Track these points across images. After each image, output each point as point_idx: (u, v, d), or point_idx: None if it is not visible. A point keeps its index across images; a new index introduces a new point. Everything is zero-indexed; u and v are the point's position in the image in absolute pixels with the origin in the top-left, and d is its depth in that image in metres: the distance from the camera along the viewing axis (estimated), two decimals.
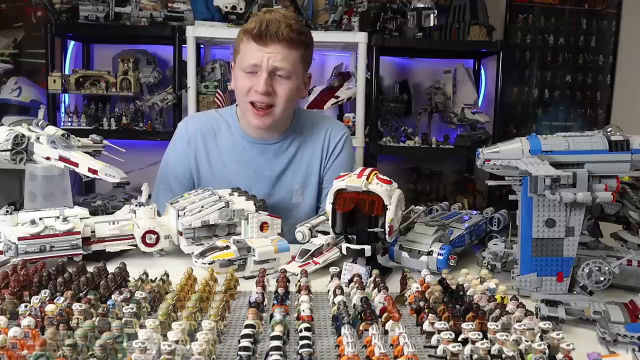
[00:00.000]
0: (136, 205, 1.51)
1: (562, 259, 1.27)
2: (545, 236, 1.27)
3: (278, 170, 1.92)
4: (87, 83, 3.12)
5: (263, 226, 1.52)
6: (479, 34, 3.32)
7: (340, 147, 1.97)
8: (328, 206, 1.37)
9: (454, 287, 1.22)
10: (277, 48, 1.67)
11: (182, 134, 1.98)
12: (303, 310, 1.03)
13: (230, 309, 1.15)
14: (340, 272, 1.34)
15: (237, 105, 1.95)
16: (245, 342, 0.87)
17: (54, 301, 1.05)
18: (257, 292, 1.12)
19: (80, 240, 1.39)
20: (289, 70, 1.71)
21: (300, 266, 1.40)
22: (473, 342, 0.91)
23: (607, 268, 1.25)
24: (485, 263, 1.41)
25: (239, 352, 0.85)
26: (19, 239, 1.34)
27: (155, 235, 1.47)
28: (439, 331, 0.96)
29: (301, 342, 0.88)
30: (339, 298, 1.11)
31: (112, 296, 1.07)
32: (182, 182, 1.94)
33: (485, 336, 0.94)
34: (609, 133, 1.30)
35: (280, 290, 1.14)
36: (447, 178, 3.77)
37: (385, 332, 1.00)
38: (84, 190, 3.26)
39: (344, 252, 1.39)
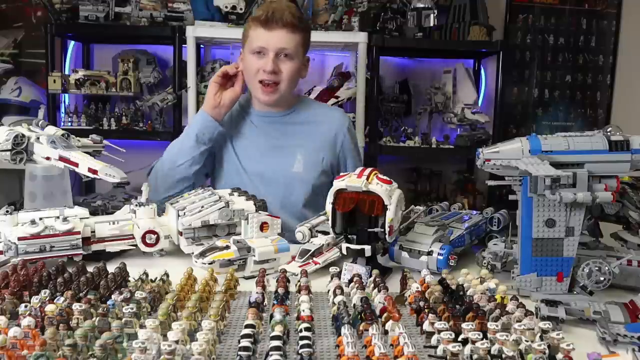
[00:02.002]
0: (136, 205, 1.51)
1: (562, 259, 1.27)
2: (545, 236, 1.27)
3: (283, 138, 2.08)
4: (87, 83, 3.12)
5: (263, 226, 1.52)
6: (479, 34, 3.31)
7: (348, 136, 2.14)
8: (328, 206, 1.37)
9: (454, 287, 1.22)
10: (282, 32, 1.91)
11: None
12: (303, 310, 1.03)
13: (230, 309, 1.15)
14: (340, 272, 1.34)
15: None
16: (245, 342, 0.87)
17: (54, 301, 1.05)
18: (257, 292, 1.12)
19: (80, 240, 1.39)
20: (292, 51, 1.94)
21: (300, 266, 1.40)
22: (473, 342, 0.91)
23: (607, 268, 1.25)
24: (485, 263, 1.41)
25: (239, 352, 0.85)
26: (19, 239, 1.34)
27: (155, 235, 1.47)
28: (439, 331, 0.96)
29: (301, 342, 0.88)
30: (339, 298, 1.11)
31: (112, 296, 1.07)
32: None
33: (485, 336, 0.94)
34: (609, 133, 1.30)
35: (280, 290, 1.14)
36: (447, 178, 3.76)
37: (385, 332, 1.00)
38: (84, 190, 3.24)
39: (344, 252, 1.39)
